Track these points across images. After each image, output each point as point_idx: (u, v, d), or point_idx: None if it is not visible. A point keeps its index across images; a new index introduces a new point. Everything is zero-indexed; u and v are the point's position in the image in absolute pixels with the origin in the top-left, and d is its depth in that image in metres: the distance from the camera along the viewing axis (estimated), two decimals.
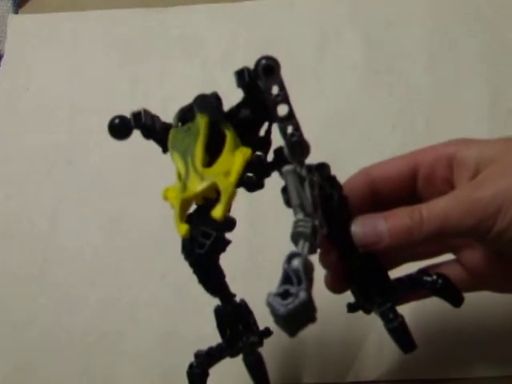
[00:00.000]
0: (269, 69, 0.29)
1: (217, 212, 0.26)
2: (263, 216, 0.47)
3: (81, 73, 0.55)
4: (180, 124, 0.31)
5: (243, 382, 0.42)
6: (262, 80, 0.28)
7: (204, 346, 0.43)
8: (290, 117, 0.29)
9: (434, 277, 0.34)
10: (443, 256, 0.37)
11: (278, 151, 0.31)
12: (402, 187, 0.35)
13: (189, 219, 0.29)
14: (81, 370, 0.44)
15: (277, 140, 0.32)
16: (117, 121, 0.31)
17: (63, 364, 0.44)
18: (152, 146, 0.50)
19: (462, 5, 0.53)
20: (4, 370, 0.44)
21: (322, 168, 0.32)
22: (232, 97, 0.52)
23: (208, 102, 0.31)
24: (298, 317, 0.27)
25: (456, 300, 0.35)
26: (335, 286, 0.36)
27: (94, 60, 0.55)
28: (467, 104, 0.50)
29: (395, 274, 0.35)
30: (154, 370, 0.44)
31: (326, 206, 0.30)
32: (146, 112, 0.31)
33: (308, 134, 0.49)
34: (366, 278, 0.34)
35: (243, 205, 0.47)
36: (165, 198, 0.29)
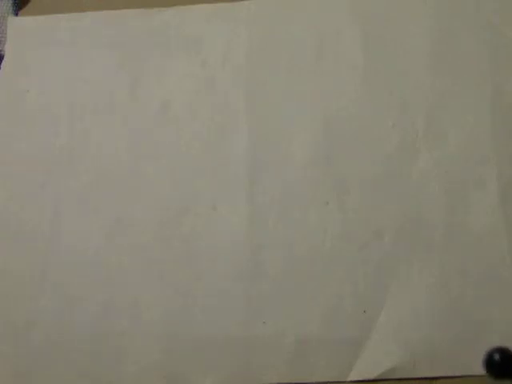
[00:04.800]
0: None
1: None
2: (264, 215, 0.47)
3: (81, 73, 0.55)
4: None
5: (242, 381, 0.42)
6: None
7: (204, 347, 0.44)
8: None
9: None
10: None
11: None
12: None
13: None
14: (83, 371, 0.44)
15: None
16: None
17: (65, 365, 0.44)
18: (152, 146, 0.51)
19: (461, 2, 0.53)
20: (5, 370, 0.44)
21: None
22: (232, 96, 0.52)
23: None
24: None
25: None
26: None
27: (94, 60, 0.55)
28: (468, 102, 0.50)
29: None
30: (156, 371, 0.44)
31: None
32: None
33: (308, 133, 0.50)
34: None
35: (244, 204, 0.48)
36: None
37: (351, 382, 0.42)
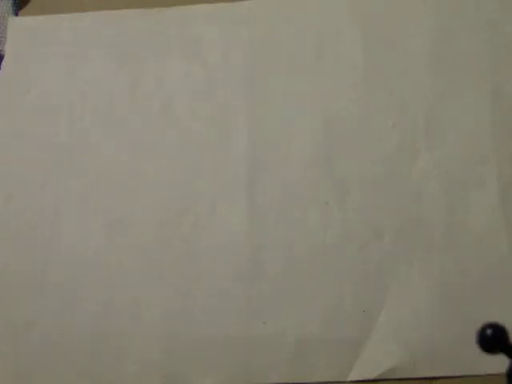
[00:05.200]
0: None
1: None
2: (264, 215, 0.47)
3: (81, 73, 0.55)
4: None
5: (242, 381, 0.42)
6: None
7: (204, 347, 0.44)
8: None
9: None
10: None
11: None
12: None
13: None
14: (83, 371, 0.44)
15: None
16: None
17: (65, 365, 0.44)
18: (152, 146, 0.51)
19: (461, 2, 0.53)
20: (6, 370, 0.44)
21: None
22: (232, 96, 0.52)
23: None
24: None
25: None
26: None
27: (94, 60, 0.55)
28: (468, 102, 0.50)
29: None
30: (156, 371, 0.44)
31: None
32: None
33: (308, 133, 0.50)
34: None
35: (244, 204, 0.48)
36: None
37: (351, 382, 0.42)
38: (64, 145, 0.52)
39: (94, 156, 0.51)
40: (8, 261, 0.48)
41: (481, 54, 0.51)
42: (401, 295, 0.44)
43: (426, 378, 0.41)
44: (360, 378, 0.42)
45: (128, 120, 0.52)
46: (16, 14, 0.59)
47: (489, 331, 0.32)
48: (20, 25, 0.58)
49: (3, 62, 0.56)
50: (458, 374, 0.41)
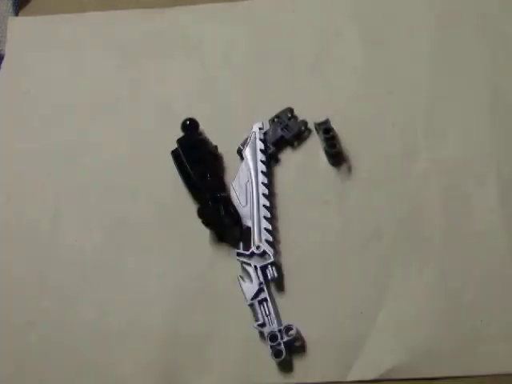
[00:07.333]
0: None
1: None
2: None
3: (81, 74, 0.55)
4: None
5: (242, 381, 0.42)
6: None
7: (204, 346, 0.43)
8: None
9: None
10: None
11: None
12: None
13: None
14: (82, 369, 0.44)
15: None
16: None
17: (64, 363, 0.44)
18: (152, 146, 0.51)
19: (462, 3, 0.53)
20: (6, 370, 0.44)
21: None
22: (232, 96, 0.52)
23: None
24: None
25: None
26: None
27: (95, 61, 0.55)
28: (467, 101, 0.50)
29: None
30: (156, 370, 0.44)
31: None
32: None
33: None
34: None
35: None
36: None
37: (351, 382, 0.42)
38: (64, 145, 0.52)
39: (93, 156, 0.51)
40: (8, 261, 0.48)
41: (481, 54, 0.51)
42: (400, 295, 0.44)
43: (425, 379, 0.41)
44: (360, 378, 0.42)
45: (128, 120, 0.52)
46: (16, 14, 0.59)
47: None
48: (20, 25, 0.58)
49: (3, 62, 0.56)
50: (458, 374, 0.41)
